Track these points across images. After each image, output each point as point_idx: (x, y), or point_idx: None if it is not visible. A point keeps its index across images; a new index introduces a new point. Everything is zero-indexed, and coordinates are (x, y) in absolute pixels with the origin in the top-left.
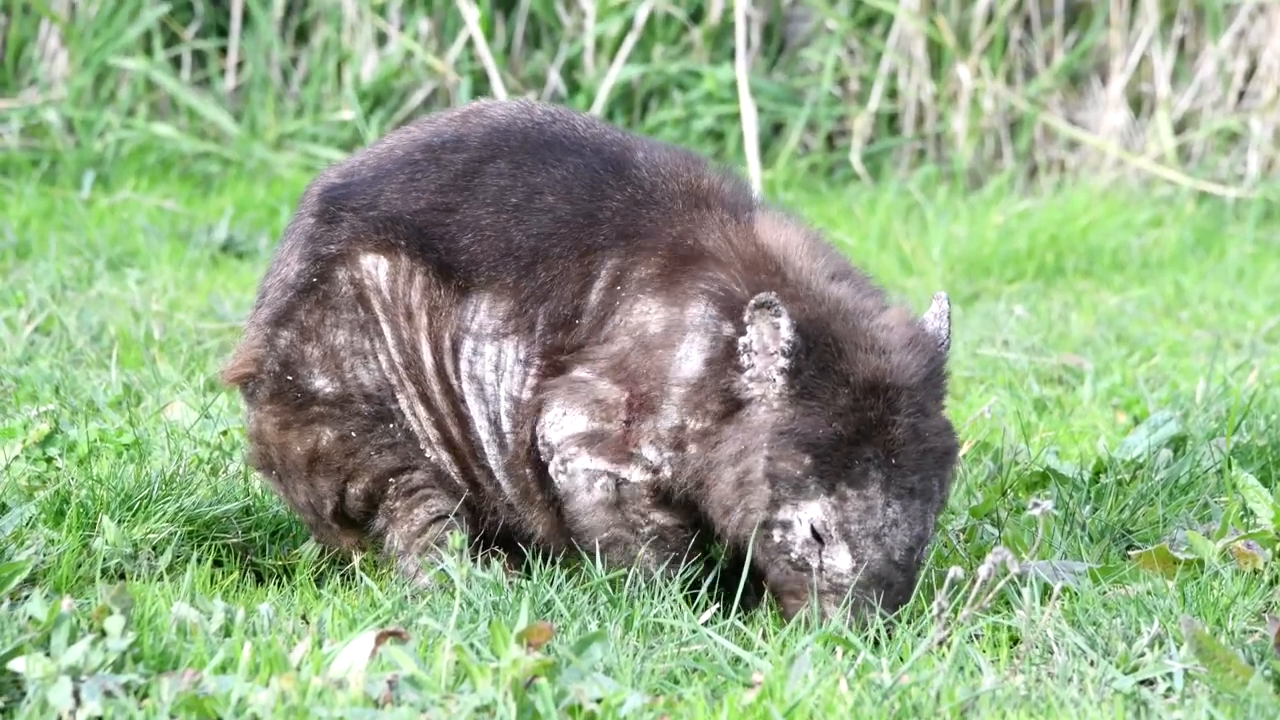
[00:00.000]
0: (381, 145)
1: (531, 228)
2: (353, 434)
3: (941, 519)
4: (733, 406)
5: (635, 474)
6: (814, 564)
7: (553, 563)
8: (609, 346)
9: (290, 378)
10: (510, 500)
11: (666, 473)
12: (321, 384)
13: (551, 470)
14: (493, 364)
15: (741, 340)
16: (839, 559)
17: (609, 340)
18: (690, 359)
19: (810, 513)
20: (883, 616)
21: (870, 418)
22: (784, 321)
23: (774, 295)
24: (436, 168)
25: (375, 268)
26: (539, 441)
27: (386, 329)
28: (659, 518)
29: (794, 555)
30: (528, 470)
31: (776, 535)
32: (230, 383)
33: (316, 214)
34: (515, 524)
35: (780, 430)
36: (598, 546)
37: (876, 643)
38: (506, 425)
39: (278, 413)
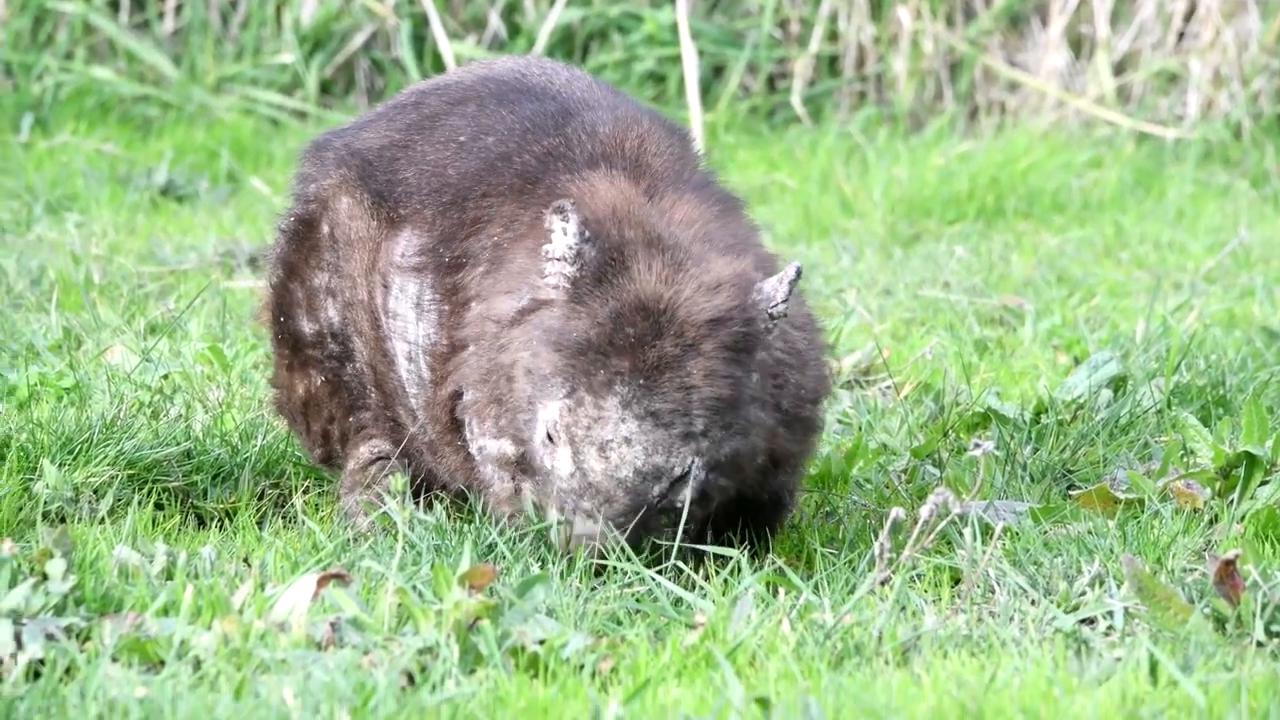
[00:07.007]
0: (405, 91)
1: (464, 166)
2: (331, 375)
3: (882, 460)
4: (529, 309)
5: (509, 448)
6: (546, 466)
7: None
8: (488, 306)
9: (283, 319)
10: (432, 440)
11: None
12: (306, 325)
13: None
14: (412, 300)
15: (545, 248)
16: (560, 462)
17: (489, 298)
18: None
19: (549, 413)
20: (597, 528)
21: (629, 333)
22: (571, 227)
23: (568, 202)
24: (415, 110)
25: (341, 204)
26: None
27: (341, 264)
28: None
29: (539, 459)
30: (445, 418)
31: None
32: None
33: (309, 154)
34: (435, 468)
35: (545, 328)
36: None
37: (817, 585)
38: (424, 369)
39: (285, 356)
